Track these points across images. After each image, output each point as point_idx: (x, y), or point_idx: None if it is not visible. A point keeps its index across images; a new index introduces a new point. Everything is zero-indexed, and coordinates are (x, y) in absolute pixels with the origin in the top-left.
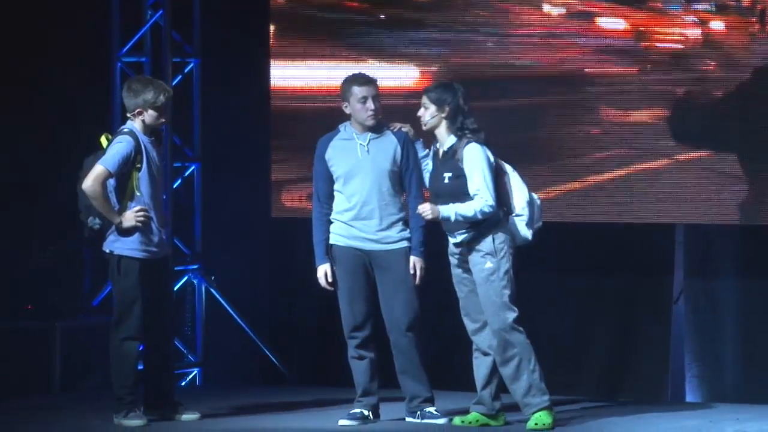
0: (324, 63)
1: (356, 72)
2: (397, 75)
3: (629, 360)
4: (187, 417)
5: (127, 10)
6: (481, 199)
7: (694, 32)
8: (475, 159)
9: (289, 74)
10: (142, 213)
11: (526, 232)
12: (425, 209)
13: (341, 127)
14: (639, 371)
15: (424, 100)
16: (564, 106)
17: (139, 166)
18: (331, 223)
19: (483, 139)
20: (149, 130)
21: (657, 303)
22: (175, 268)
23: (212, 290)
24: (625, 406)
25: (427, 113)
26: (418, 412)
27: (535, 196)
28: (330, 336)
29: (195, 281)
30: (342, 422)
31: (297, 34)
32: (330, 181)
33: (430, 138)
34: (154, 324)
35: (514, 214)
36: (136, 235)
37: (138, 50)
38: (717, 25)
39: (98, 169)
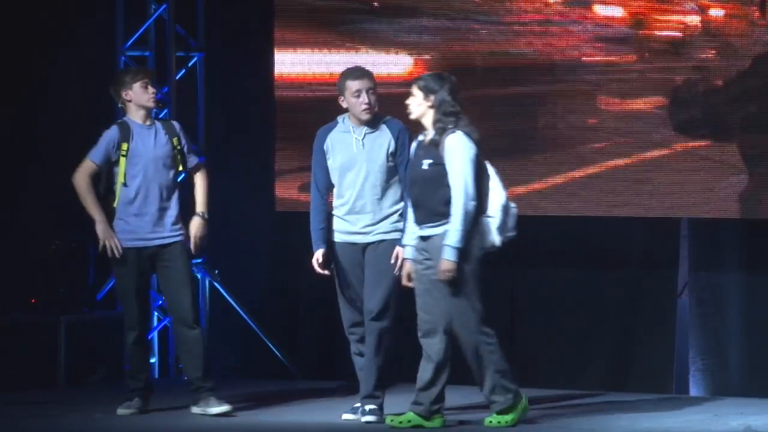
0: (323, 52)
1: (351, 64)
2: (392, 63)
3: (633, 353)
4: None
5: (131, 4)
6: (458, 202)
7: (694, 20)
8: (456, 149)
9: (292, 64)
10: (112, 249)
11: (495, 237)
12: (445, 276)
13: (340, 119)
14: (643, 365)
15: (413, 88)
16: (561, 95)
17: (124, 153)
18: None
19: (472, 135)
20: (145, 112)
21: (661, 296)
22: None
23: (216, 284)
24: (629, 400)
25: (414, 101)
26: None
27: (512, 204)
28: (333, 329)
29: (199, 275)
30: (345, 416)
31: (299, 25)
32: (329, 171)
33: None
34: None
35: (486, 215)
36: (115, 225)
37: (142, 44)
38: (716, 12)
39: (84, 163)
